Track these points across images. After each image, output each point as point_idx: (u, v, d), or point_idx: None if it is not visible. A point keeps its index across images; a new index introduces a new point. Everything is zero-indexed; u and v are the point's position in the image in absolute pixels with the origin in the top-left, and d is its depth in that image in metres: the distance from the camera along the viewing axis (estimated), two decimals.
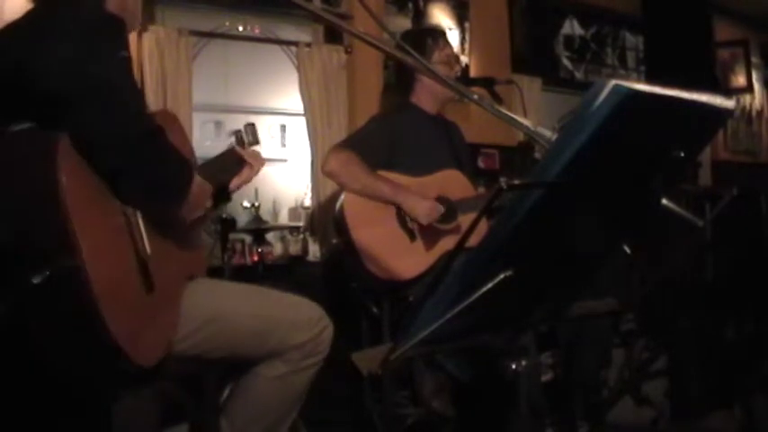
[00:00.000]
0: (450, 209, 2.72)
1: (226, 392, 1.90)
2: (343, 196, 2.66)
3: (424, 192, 2.69)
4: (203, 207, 1.63)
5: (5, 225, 1.26)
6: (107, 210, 1.38)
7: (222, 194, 1.94)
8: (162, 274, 1.48)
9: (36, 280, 1.23)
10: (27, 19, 1.47)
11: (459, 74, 3.11)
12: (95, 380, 1.41)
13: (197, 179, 1.58)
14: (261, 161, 1.97)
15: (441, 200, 2.73)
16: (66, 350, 1.32)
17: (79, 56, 1.34)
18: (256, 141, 2.07)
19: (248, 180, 1.97)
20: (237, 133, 2.05)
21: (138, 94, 1.63)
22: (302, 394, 1.80)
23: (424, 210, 2.60)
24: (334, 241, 2.78)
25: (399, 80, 2.96)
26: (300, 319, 1.74)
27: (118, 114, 1.36)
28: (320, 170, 2.98)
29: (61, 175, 1.23)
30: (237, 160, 1.93)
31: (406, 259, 2.61)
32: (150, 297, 1.43)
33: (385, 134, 2.78)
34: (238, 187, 1.97)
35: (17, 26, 1.47)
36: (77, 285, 1.23)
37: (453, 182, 2.81)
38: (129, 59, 1.60)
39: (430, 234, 2.65)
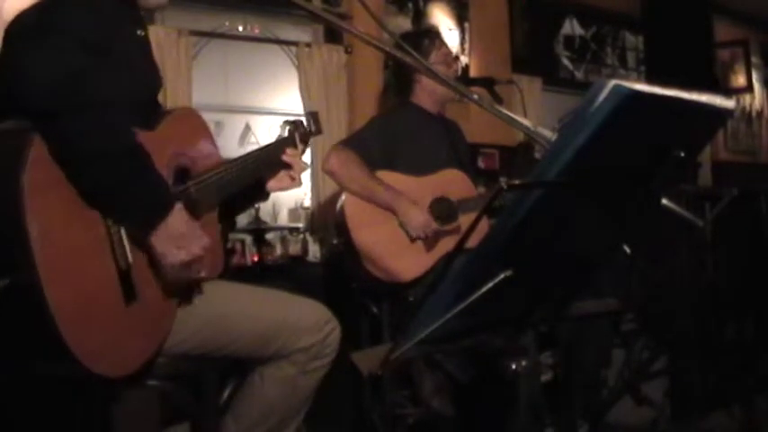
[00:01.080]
0: (451, 209, 2.72)
1: (226, 392, 1.89)
2: (343, 197, 2.66)
3: (425, 191, 2.69)
4: (190, 249, 1.45)
5: None
6: (84, 220, 1.35)
7: (258, 191, 1.89)
8: (148, 282, 1.46)
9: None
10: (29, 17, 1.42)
11: (458, 73, 3.11)
12: (64, 378, 1.40)
13: (182, 215, 1.45)
14: (302, 166, 1.88)
15: (440, 200, 2.73)
16: (28, 353, 1.31)
17: (64, 73, 1.31)
18: (319, 131, 1.97)
19: (288, 188, 1.90)
20: (298, 122, 1.91)
21: (150, 74, 1.60)
22: (309, 397, 1.78)
23: (417, 223, 2.60)
24: (335, 241, 2.77)
25: (399, 81, 2.97)
26: (306, 323, 1.73)
27: (93, 133, 1.32)
28: (320, 168, 2.99)
29: (24, 189, 1.21)
30: (278, 158, 1.84)
31: (407, 260, 2.61)
32: (131, 307, 1.41)
33: (386, 134, 2.78)
34: (276, 191, 1.91)
35: (20, 25, 1.42)
36: (34, 300, 1.22)
37: (454, 182, 2.81)
38: (144, 39, 1.59)
39: (430, 235, 2.65)
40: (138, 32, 1.61)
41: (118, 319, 1.39)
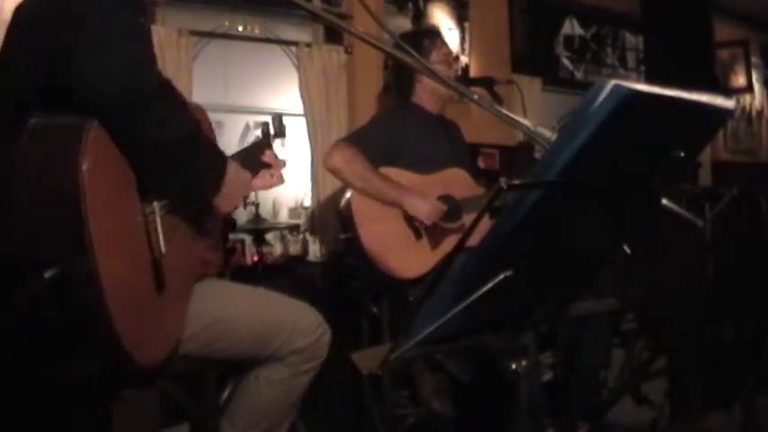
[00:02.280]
0: (456, 207, 2.72)
1: (226, 392, 1.90)
2: (349, 192, 2.66)
3: (429, 189, 2.70)
4: (242, 196, 1.64)
5: (23, 220, 1.26)
6: (126, 209, 1.38)
7: None
8: (173, 272, 1.49)
9: (47, 275, 1.22)
10: (47, 7, 1.41)
11: (458, 73, 3.11)
12: (99, 379, 1.41)
13: (234, 168, 1.59)
14: (281, 164, 1.95)
15: (445, 198, 2.73)
16: (70, 345, 1.32)
17: (124, 64, 1.31)
18: (283, 134, 2.08)
19: (270, 187, 1.98)
20: (265, 125, 2.02)
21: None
22: (300, 396, 1.82)
23: (425, 210, 2.60)
24: (342, 236, 2.77)
25: (399, 81, 2.97)
26: (302, 325, 1.76)
27: (163, 120, 1.36)
28: (322, 165, 2.99)
29: (82, 174, 1.23)
30: (258, 159, 1.91)
31: (412, 258, 2.62)
32: (160, 296, 1.44)
33: (388, 132, 2.79)
34: (258, 189, 2.01)
35: (39, 16, 1.42)
36: (89, 287, 1.23)
37: (458, 180, 2.81)
38: (148, 29, 1.59)
39: (436, 233, 2.66)
40: (141, 20, 1.61)
41: (151, 307, 1.42)
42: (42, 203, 1.25)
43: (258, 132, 2.02)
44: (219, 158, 1.56)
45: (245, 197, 1.66)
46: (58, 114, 1.30)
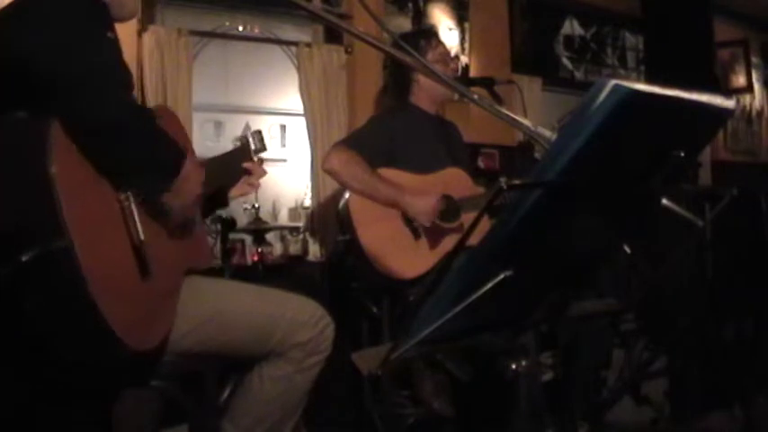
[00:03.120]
0: (454, 207, 2.72)
1: (226, 392, 1.89)
2: (347, 194, 2.66)
3: (427, 190, 2.69)
4: (193, 195, 1.60)
5: None
6: (100, 196, 1.40)
7: (220, 198, 1.97)
8: (159, 261, 1.49)
9: (25, 257, 1.23)
10: (14, 5, 1.46)
11: (457, 72, 3.12)
12: (88, 362, 1.40)
13: (190, 161, 1.57)
14: (261, 172, 1.99)
15: (445, 198, 2.73)
16: (58, 330, 1.32)
17: (67, 40, 1.35)
18: (263, 148, 2.08)
19: (248, 193, 2.03)
20: (243, 139, 2.04)
21: (128, 74, 1.63)
22: (306, 393, 1.79)
23: (423, 209, 2.60)
24: (340, 238, 2.78)
25: (397, 82, 2.97)
26: (302, 318, 1.74)
27: (105, 99, 1.37)
28: (321, 167, 2.99)
29: (52, 163, 1.25)
30: (239, 167, 1.96)
31: (411, 258, 2.62)
32: (146, 283, 1.44)
33: (385, 133, 2.78)
34: (236, 197, 2.02)
35: (5, 14, 1.46)
36: (68, 266, 1.24)
37: (457, 180, 2.81)
38: (116, 41, 1.61)
39: (434, 233, 2.66)
40: (109, 35, 1.62)
41: (138, 293, 1.42)
42: (15, 189, 1.28)
43: (237, 143, 2.05)
44: (176, 147, 1.54)
45: (196, 198, 1.62)
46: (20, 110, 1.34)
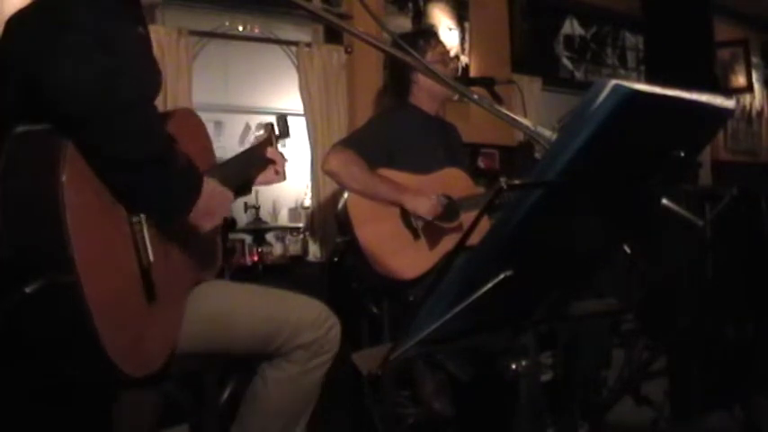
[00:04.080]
0: (453, 207, 2.72)
1: (226, 392, 1.89)
2: (346, 195, 2.66)
3: (427, 190, 2.70)
4: (221, 214, 1.58)
5: (5, 232, 1.24)
6: (111, 219, 1.37)
7: (244, 187, 1.95)
8: (166, 280, 1.48)
9: (29, 290, 1.21)
10: (36, 14, 1.39)
11: (457, 72, 3.12)
12: (89, 383, 1.40)
13: (211, 185, 1.53)
14: (282, 160, 1.98)
15: (443, 198, 2.73)
16: (58, 361, 1.31)
17: (94, 75, 1.28)
18: (287, 134, 2.08)
19: (273, 183, 2.01)
20: (268, 125, 2.03)
21: (153, 78, 1.61)
22: (314, 394, 1.77)
23: (425, 205, 2.60)
24: (339, 240, 2.78)
25: (395, 83, 2.97)
26: (306, 320, 1.72)
27: (131, 136, 1.33)
28: (320, 168, 2.99)
29: (63, 186, 1.22)
30: (263, 157, 1.95)
31: (410, 258, 2.62)
32: (151, 306, 1.42)
33: (384, 133, 2.79)
34: (260, 185, 2.01)
35: (26, 23, 1.40)
36: (72, 300, 1.22)
37: (456, 180, 2.81)
38: (145, 37, 1.59)
39: (433, 232, 2.66)
40: (140, 30, 1.61)
41: (141, 318, 1.40)
42: (23, 215, 1.24)
43: (261, 131, 2.02)
44: (193, 177, 1.49)
45: (226, 215, 1.60)
46: (41, 123, 1.29)
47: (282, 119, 2.06)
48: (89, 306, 1.23)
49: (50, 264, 1.22)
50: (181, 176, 1.44)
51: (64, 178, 1.23)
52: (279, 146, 2.04)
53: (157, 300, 1.43)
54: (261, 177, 1.96)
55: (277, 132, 2.03)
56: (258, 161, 1.94)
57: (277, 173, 1.97)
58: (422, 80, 2.85)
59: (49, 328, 1.27)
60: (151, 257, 1.43)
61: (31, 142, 1.28)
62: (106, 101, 1.28)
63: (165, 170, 1.39)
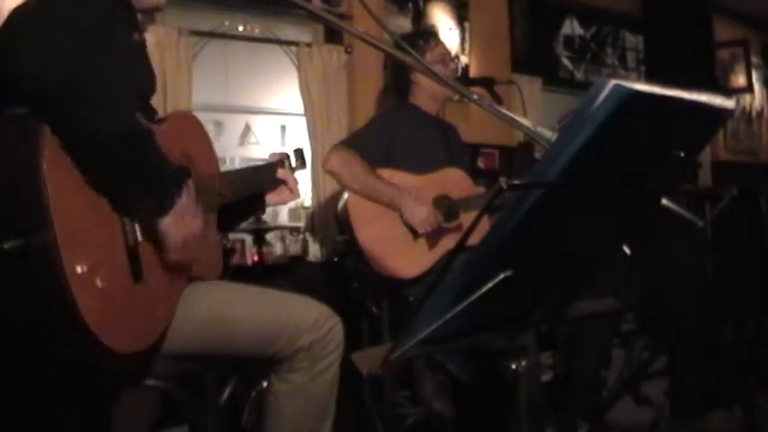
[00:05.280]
0: (453, 207, 2.72)
1: (226, 393, 1.89)
2: (346, 194, 2.67)
3: (426, 190, 2.70)
4: (191, 230, 1.49)
5: None
6: (96, 198, 1.37)
7: (257, 204, 2.00)
8: (156, 264, 1.47)
9: (7, 245, 1.22)
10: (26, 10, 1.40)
11: (457, 73, 3.12)
12: (69, 359, 1.38)
13: (186, 203, 1.47)
14: (295, 182, 2.02)
15: (442, 198, 2.73)
16: (37, 324, 1.31)
17: (63, 54, 1.30)
18: (303, 166, 2.13)
19: (287, 201, 2.05)
20: (284, 155, 2.06)
21: (142, 82, 1.61)
22: (329, 397, 1.75)
23: (421, 217, 2.61)
24: (338, 239, 2.78)
25: (396, 83, 2.98)
26: (305, 321, 1.70)
27: (98, 114, 1.32)
28: (321, 168, 3.00)
29: (42, 157, 1.24)
30: (274, 177, 1.98)
31: (409, 257, 2.62)
32: (138, 286, 1.42)
33: (385, 133, 2.79)
34: (275, 205, 2.06)
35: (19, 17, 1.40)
36: (48, 261, 1.23)
37: (456, 180, 2.82)
38: (140, 43, 1.59)
39: (433, 232, 2.66)
40: (135, 36, 1.61)
41: (126, 295, 1.40)
42: (2, 181, 1.27)
43: (275, 159, 2.04)
44: (172, 177, 1.45)
45: (198, 236, 1.51)
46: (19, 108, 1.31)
47: (299, 152, 2.11)
48: (66, 269, 1.23)
49: (27, 223, 1.23)
50: (158, 169, 1.41)
51: (45, 152, 1.25)
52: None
53: (144, 281, 1.43)
54: (275, 197, 2.01)
55: (293, 165, 2.08)
56: (268, 180, 1.98)
57: (291, 191, 2.02)
58: (422, 81, 2.86)
59: (26, 294, 1.26)
60: (139, 237, 1.43)
61: (10, 122, 1.31)
62: (78, 85, 1.30)
63: (136, 157, 1.37)
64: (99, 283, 1.32)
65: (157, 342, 1.50)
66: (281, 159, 2.03)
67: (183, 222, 1.45)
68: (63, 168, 1.30)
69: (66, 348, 1.32)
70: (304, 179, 3.95)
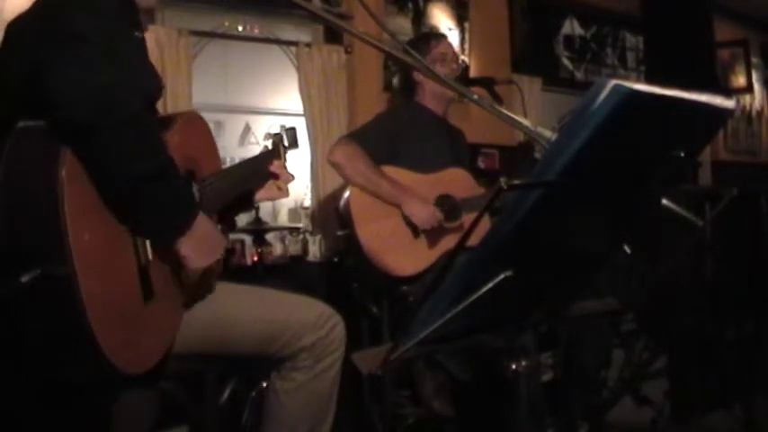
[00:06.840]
0: (455, 207, 2.73)
1: (226, 393, 1.90)
2: (349, 190, 2.68)
3: (429, 189, 2.70)
4: (213, 254, 1.51)
5: (3, 221, 1.25)
6: (110, 216, 1.36)
7: (245, 201, 1.94)
8: (164, 279, 1.47)
9: (25, 279, 1.21)
10: (39, 23, 1.38)
11: (458, 73, 3.12)
12: (83, 381, 1.39)
13: (208, 228, 1.49)
14: (287, 176, 1.94)
15: (445, 198, 2.74)
16: (53, 357, 1.31)
17: (101, 84, 1.27)
18: (295, 145, 2.05)
19: (275, 199, 1.99)
20: (276, 136, 2.00)
21: (151, 86, 1.60)
22: (330, 396, 1.76)
23: (423, 215, 2.61)
24: (339, 233, 2.78)
25: (403, 82, 3.01)
26: (306, 321, 1.71)
27: (132, 151, 1.30)
28: (325, 159, 3.00)
29: (63, 180, 1.22)
30: (265, 170, 1.91)
31: (409, 256, 2.62)
32: (148, 305, 1.42)
33: (390, 130, 2.81)
34: (261, 201, 1.98)
35: (28, 31, 1.39)
36: (67, 292, 1.22)
37: (458, 180, 2.82)
38: (142, 42, 1.58)
39: (434, 231, 2.67)
40: (137, 34, 1.61)
41: (137, 316, 1.40)
42: (22, 206, 1.25)
43: (269, 143, 1.99)
44: (189, 202, 1.46)
45: (218, 256, 1.52)
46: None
47: (291, 130, 2.04)
48: (84, 300, 1.22)
49: (47, 255, 1.22)
50: (177, 197, 1.41)
51: (63, 173, 1.23)
52: (286, 157, 2.00)
53: (155, 298, 1.43)
54: (263, 193, 1.94)
55: (286, 143, 2.00)
56: (259, 174, 1.91)
57: (280, 189, 1.94)
58: (425, 81, 2.87)
59: (44, 322, 1.26)
60: (150, 256, 1.42)
61: (33, 137, 1.28)
62: (111, 113, 1.27)
63: (162, 187, 1.36)
64: (114, 307, 1.32)
65: (165, 355, 1.49)
66: (276, 148, 1.98)
67: (202, 248, 1.45)
68: (80, 190, 1.28)
69: (79, 370, 1.32)
70: (304, 179, 3.96)
